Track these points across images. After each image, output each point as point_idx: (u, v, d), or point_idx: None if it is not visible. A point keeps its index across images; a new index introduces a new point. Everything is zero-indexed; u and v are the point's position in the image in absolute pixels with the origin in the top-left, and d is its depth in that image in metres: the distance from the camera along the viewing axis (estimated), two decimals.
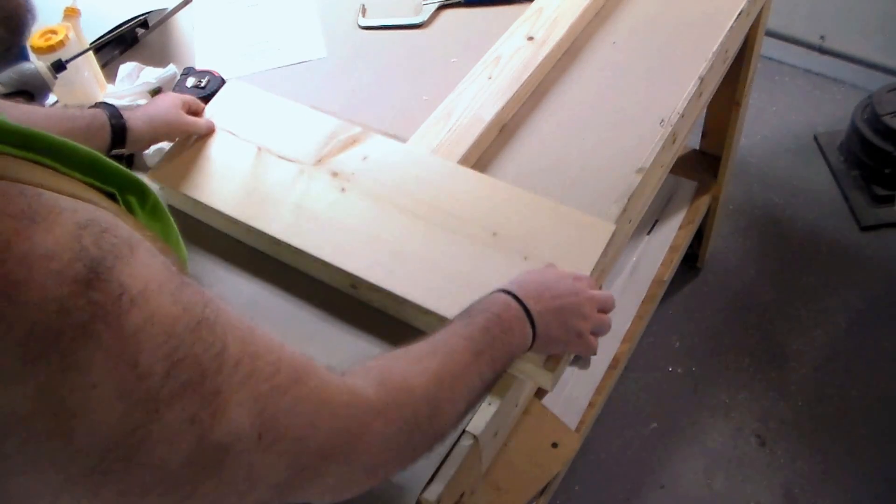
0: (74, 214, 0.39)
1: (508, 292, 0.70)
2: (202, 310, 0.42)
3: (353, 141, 0.93)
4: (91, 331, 0.36)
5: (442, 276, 0.79)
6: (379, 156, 0.91)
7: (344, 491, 0.52)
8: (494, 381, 0.66)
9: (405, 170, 0.89)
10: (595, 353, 0.74)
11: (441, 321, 0.78)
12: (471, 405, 0.63)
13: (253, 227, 0.87)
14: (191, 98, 0.99)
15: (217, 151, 0.95)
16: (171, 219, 0.55)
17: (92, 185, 0.47)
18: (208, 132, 0.96)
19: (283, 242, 0.85)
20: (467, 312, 0.67)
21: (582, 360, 1.51)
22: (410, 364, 0.59)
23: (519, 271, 0.77)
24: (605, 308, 0.75)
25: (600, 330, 0.74)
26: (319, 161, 0.91)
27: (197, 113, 0.98)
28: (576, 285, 0.73)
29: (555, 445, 1.18)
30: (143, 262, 0.40)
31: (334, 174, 0.90)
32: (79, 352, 0.36)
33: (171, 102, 0.95)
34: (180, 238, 0.57)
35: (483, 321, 0.65)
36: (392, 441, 0.53)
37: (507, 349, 0.66)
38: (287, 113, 0.98)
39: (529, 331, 0.68)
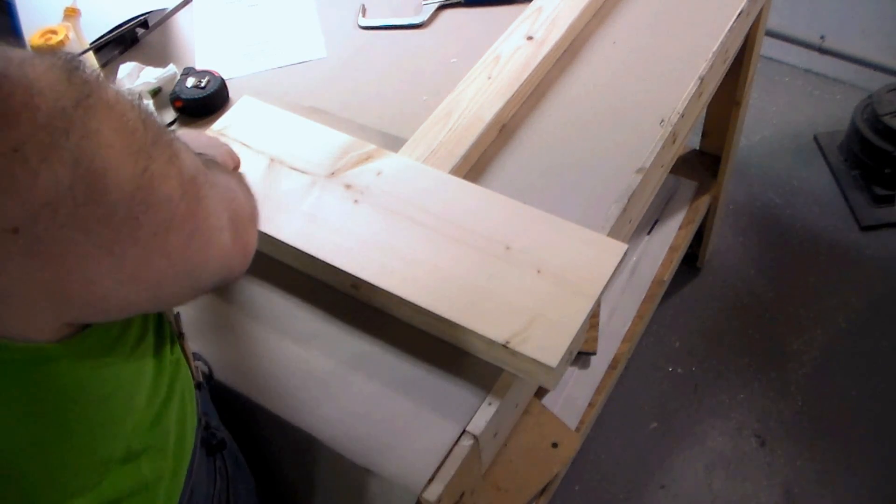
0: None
1: None
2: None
3: (367, 157, 0.93)
4: (90, 104, 0.44)
5: (455, 285, 0.79)
6: (394, 172, 0.91)
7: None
8: None
9: (420, 186, 0.89)
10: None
11: (445, 323, 0.78)
12: None
13: (262, 233, 0.87)
14: None
15: None
16: None
17: None
18: None
19: (291, 247, 0.86)
20: None
21: (582, 360, 1.51)
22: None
23: (532, 284, 0.78)
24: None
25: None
26: (332, 174, 0.92)
27: None
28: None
29: (555, 445, 1.18)
30: None
31: (347, 186, 0.90)
32: (90, 121, 0.43)
33: None
34: None
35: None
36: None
37: None
38: (300, 128, 0.99)
39: None
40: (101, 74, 0.47)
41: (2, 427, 0.50)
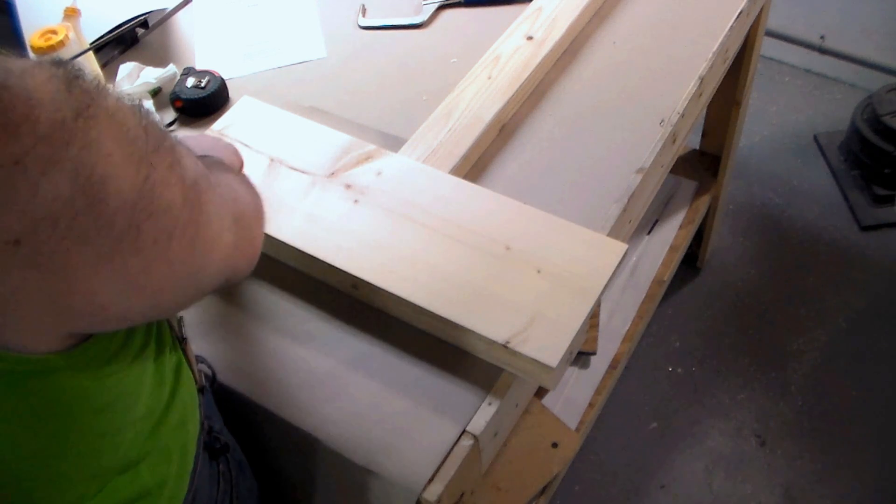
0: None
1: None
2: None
3: (367, 157, 0.93)
4: (90, 114, 0.44)
5: (455, 285, 0.79)
6: (394, 172, 0.91)
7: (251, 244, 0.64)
8: None
9: (420, 186, 0.89)
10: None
11: (445, 323, 0.78)
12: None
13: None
14: None
15: None
16: None
17: None
18: None
19: (291, 248, 0.86)
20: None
21: (582, 360, 1.51)
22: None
23: (532, 284, 0.78)
24: None
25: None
26: (333, 174, 0.91)
27: None
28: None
29: (555, 445, 1.18)
30: None
31: (347, 186, 0.90)
32: (90, 132, 0.43)
33: None
34: None
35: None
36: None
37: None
38: (300, 128, 0.99)
39: None
40: (102, 82, 0.47)
41: (1, 438, 0.50)
